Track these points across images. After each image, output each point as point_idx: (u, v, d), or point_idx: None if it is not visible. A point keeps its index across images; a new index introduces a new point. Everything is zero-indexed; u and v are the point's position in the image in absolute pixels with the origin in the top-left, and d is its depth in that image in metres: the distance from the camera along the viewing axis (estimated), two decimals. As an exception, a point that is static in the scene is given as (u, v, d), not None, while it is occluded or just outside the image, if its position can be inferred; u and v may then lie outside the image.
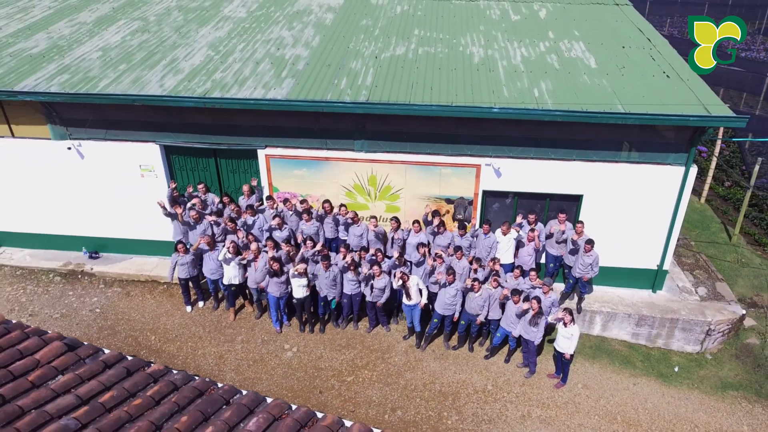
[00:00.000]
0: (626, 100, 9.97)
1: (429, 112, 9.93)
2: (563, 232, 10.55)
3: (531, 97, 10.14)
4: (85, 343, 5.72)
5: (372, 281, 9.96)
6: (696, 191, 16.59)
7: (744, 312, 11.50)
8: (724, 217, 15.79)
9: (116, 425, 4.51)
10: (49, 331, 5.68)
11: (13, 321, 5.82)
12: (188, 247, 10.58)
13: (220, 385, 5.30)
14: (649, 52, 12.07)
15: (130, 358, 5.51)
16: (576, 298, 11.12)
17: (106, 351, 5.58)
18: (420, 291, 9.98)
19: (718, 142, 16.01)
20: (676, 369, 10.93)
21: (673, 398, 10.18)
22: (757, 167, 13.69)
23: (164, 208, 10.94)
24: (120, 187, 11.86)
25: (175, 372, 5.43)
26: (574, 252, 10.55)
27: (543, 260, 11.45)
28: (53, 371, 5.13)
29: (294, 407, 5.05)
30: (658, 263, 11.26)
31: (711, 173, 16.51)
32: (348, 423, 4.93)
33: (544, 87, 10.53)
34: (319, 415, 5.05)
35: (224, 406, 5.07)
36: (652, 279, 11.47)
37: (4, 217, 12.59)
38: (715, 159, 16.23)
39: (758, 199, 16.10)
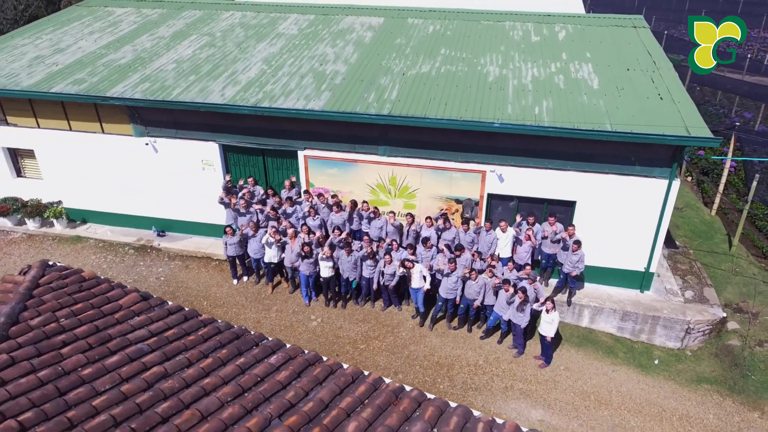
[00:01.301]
0: (616, 119, 10.98)
1: (439, 125, 11.30)
2: (556, 233, 11.65)
3: (531, 115, 11.31)
4: (154, 296, 7.51)
5: (383, 268, 11.44)
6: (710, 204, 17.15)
7: (725, 315, 12.24)
8: (733, 230, 16.24)
9: (175, 352, 6.23)
10: (128, 286, 7.49)
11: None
12: (235, 230, 12.38)
13: (252, 332, 6.97)
14: (651, 74, 12.91)
15: (187, 308, 7.24)
16: (567, 292, 12.19)
17: (170, 302, 7.33)
18: (424, 278, 11.36)
19: (728, 161, 16.43)
20: (656, 362, 11.84)
21: (647, 386, 11.15)
22: (754, 183, 14.20)
23: (220, 197, 12.80)
24: (184, 178, 13.83)
25: (219, 321, 7.11)
26: (565, 249, 11.64)
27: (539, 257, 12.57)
28: (131, 313, 6.91)
29: (306, 352, 6.68)
30: (645, 266, 12.16)
31: (721, 188, 16.95)
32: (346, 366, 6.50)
33: (545, 105, 11.66)
34: (324, 358, 6.63)
35: (254, 347, 6.74)
36: (640, 280, 12.38)
37: (91, 198, 14.84)
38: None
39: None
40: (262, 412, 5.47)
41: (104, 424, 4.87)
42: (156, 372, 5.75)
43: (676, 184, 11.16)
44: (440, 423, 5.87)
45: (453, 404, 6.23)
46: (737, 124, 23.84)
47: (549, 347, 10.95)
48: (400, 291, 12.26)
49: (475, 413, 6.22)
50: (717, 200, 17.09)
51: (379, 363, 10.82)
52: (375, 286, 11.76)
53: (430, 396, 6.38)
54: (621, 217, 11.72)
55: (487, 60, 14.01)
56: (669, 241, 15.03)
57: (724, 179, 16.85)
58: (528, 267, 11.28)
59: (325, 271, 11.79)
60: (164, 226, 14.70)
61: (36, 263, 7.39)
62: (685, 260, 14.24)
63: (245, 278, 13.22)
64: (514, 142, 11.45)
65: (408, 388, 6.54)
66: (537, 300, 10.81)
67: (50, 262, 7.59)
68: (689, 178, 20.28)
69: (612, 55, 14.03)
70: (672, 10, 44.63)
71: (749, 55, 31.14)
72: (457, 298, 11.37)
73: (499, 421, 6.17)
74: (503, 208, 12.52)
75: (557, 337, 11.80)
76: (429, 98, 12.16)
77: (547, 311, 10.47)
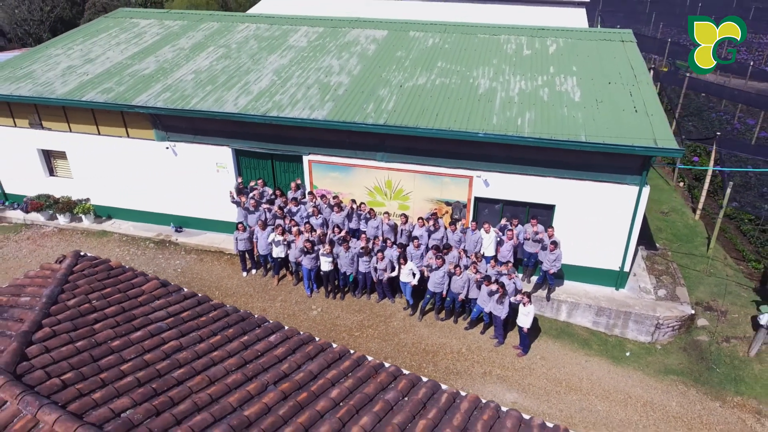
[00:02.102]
0: (591, 131, 11.83)
1: (430, 134, 12.26)
2: (537, 233, 12.54)
3: (514, 126, 12.21)
4: (172, 283, 8.59)
5: (376, 264, 12.44)
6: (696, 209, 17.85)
7: (693, 312, 13.02)
8: (719, 234, 16.82)
9: (189, 330, 7.29)
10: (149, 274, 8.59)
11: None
12: (246, 227, 13.46)
13: (255, 315, 8.03)
14: (630, 88, 13.70)
15: (200, 295, 8.31)
16: (547, 289, 13.07)
17: (185, 289, 8.41)
18: (413, 274, 12.34)
19: (709, 171, 17.13)
20: (628, 354, 12.68)
21: (617, 375, 12.00)
22: (728, 191, 14.92)
23: (232, 196, 13.90)
24: (200, 179, 14.96)
25: (228, 306, 8.18)
26: (544, 249, 12.51)
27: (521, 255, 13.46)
28: (152, 297, 7.99)
29: (301, 333, 7.74)
30: (620, 265, 12.99)
31: (704, 194, 17.63)
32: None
33: (528, 117, 12.54)
34: (317, 338, 7.67)
35: (256, 327, 7.80)
36: (615, 278, 13.21)
37: (116, 196, 16.05)
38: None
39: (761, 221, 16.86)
40: (260, 379, 6.55)
41: (130, 384, 5.95)
42: (173, 345, 6.84)
43: (646, 190, 11.98)
44: (411, 393, 6.89)
45: (425, 379, 7.24)
46: (737, 128, 24.28)
47: (526, 337, 11.85)
48: (394, 285, 13.23)
49: (443, 386, 7.21)
50: (700, 205, 17.78)
51: (371, 349, 11.82)
52: (376, 280, 12.74)
53: (405, 372, 7.40)
54: (596, 220, 12.55)
55: (479, 73, 14.91)
56: (649, 243, 15.81)
57: (706, 185, 17.54)
58: (509, 264, 12.19)
59: (325, 265, 12.82)
60: (181, 223, 15.85)
61: (70, 253, 8.52)
62: (662, 261, 15.02)
63: (254, 271, 14.30)
64: (498, 150, 12.36)
65: (387, 364, 7.57)
66: (517, 291, 11.71)
67: (82, 253, 8.71)
68: (681, 184, 20.97)
69: (596, 69, 14.83)
70: (682, 15, 44.42)
71: (751, 62, 31.23)
72: (444, 292, 12.32)
73: (463, 393, 7.15)
74: (489, 211, 13.43)
75: (535, 329, 12.71)
76: (422, 109, 13.11)
77: (524, 305, 11.38)
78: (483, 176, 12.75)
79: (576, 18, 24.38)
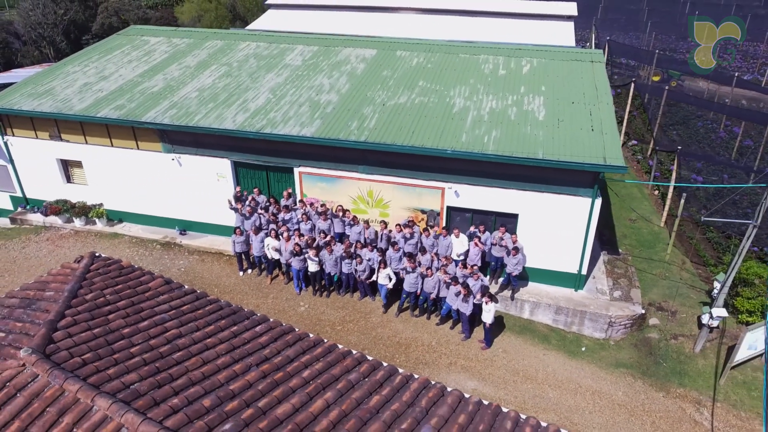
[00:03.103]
0: (548, 148, 13.12)
1: (404, 151, 13.61)
2: (502, 239, 13.83)
3: (480, 143, 13.52)
4: (174, 281, 9.97)
5: (356, 266, 13.81)
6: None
7: (644, 312, 14.28)
8: (681, 240, 17.97)
9: (188, 321, 8.67)
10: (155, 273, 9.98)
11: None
12: (243, 231, 14.86)
13: (245, 309, 9.41)
14: (591, 108, 14.95)
15: (199, 291, 9.70)
16: (511, 289, 14.37)
17: (186, 286, 9.79)
18: (390, 278, 13.69)
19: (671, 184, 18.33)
20: (583, 349, 13.96)
21: (571, 367, 13.29)
22: (682, 201, 16.15)
23: (230, 203, 15.30)
24: (202, 187, 16.37)
25: (222, 301, 9.55)
26: (508, 253, 13.80)
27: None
28: (158, 293, 9.37)
29: (284, 324, 9.10)
30: (578, 269, 14.26)
31: (668, 203, 18.84)
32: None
33: (493, 135, 13.85)
34: (296, 329, 9.03)
35: (245, 319, 9.17)
36: (574, 280, 14.48)
37: (127, 201, 17.51)
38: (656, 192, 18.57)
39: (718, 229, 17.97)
40: (245, 361, 7.94)
41: (137, 363, 7.34)
42: (173, 333, 8.23)
43: (598, 202, 13.25)
44: (371, 375, 8.26)
45: (385, 364, 8.59)
46: (722, 137, 25.12)
47: (489, 332, 13.16)
48: (375, 285, 14.57)
49: (400, 370, 8.55)
50: (665, 213, 18.99)
51: (351, 341, 13.17)
52: (358, 280, 14.09)
53: (369, 357, 8.75)
54: (555, 227, 13.83)
55: (456, 92, 16.20)
56: (613, 248, 17.05)
57: (670, 194, 18.75)
58: (475, 266, 13.50)
59: (312, 266, 14.19)
60: (185, 226, 17.28)
61: (87, 254, 9.92)
62: (622, 265, 16.26)
63: (249, 271, 15.69)
64: (466, 165, 13.66)
65: (354, 351, 8.92)
66: (482, 291, 13.00)
67: (97, 254, 10.12)
68: (656, 192, 22.15)
69: (563, 89, 16.07)
70: (682, 24, 44.17)
71: (736, 73, 31.77)
72: (418, 291, 13.65)
73: (416, 375, 8.50)
74: (461, 219, 14.74)
75: (500, 325, 14.01)
76: (400, 127, 14.44)
77: (486, 303, 12.70)
78: (454, 188, 14.07)
79: (563, 31, 25.38)
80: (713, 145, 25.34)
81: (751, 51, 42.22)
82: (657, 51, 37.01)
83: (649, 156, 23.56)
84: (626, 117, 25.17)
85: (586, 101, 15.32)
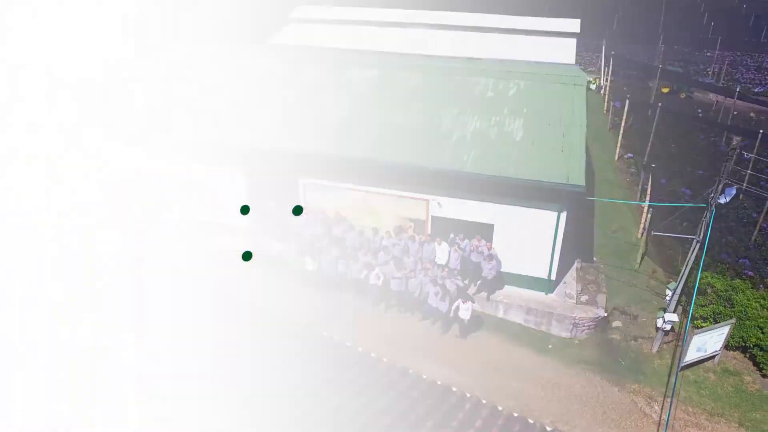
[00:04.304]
0: (519, 167, 14.66)
1: (393, 166, 15.29)
2: (478, 246, 15.40)
3: (460, 161, 15.12)
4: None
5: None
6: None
7: (605, 314, 15.69)
8: (659, 251, 19.12)
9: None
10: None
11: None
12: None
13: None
14: (564, 130, 16.36)
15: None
16: (487, 291, 15.93)
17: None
18: (379, 277, 15.40)
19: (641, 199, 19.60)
20: (550, 346, 15.44)
21: (536, 362, 14.79)
22: (649, 216, 17.47)
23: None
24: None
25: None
26: (484, 259, 15.37)
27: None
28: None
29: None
30: (547, 274, 15.74)
31: (644, 215, 20.09)
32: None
33: (473, 154, 15.43)
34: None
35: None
36: (545, 285, 15.96)
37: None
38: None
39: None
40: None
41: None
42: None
43: (564, 215, 14.73)
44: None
45: (359, 349, 10.32)
46: (722, 150, 25.83)
47: (465, 328, 14.76)
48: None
49: (372, 354, 10.26)
50: (642, 225, 20.24)
51: (340, 332, 14.91)
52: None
53: (347, 343, 10.46)
54: (527, 237, 15.36)
55: (446, 112, 17.74)
56: (587, 257, 18.44)
57: (646, 208, 20.01)
58: (455, 270, 15.11)
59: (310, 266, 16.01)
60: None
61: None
62: (594, 272, 17.67)
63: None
64: (447, 180, 15.28)
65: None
66: (458, 289, 14.57)
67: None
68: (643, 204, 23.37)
69: (543, 111, 17.45)
70: (696, 39, 44.15)
71: (738, 87, 32.23)
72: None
73: (385, 360, 10.21)
74: (444, 227, 16.36)
75: (476, 323, 15.58)
76: (394, 144, 16.12)
77: (463, 302, 14.31)
78: (437, 200, 15.71)
79: (565, 48, 26.59)
80: (712, 159, 26.21)
81: (766, 63, 42.62)
82: (659, 66, 37.88)
83: (643, 169, 24.69)
84: (621, 131, 26.32)
85: (561, 123, 16.69)
